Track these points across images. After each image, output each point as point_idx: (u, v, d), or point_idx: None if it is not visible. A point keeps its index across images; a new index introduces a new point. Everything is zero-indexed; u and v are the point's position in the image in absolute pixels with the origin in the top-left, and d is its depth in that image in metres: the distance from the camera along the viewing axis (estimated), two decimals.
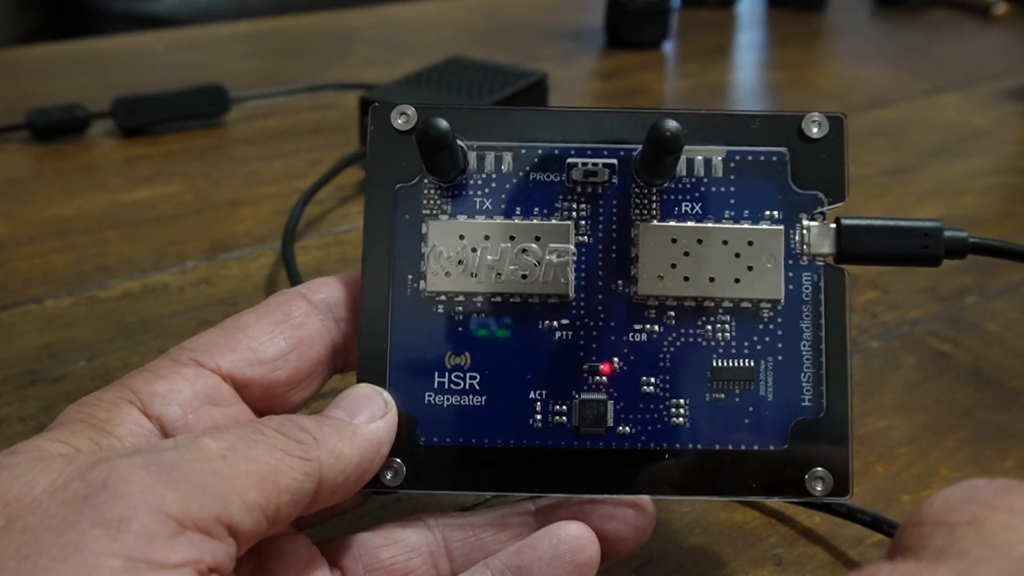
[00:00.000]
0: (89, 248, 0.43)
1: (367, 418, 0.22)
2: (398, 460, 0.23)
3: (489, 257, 0.24)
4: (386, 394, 0.23)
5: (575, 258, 0.24)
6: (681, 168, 0.24)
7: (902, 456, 0.32)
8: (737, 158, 0.24)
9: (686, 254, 0.24)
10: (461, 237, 0.24)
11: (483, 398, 0.24)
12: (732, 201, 0.24)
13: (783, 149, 0.24)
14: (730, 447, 0.23)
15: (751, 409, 0.24)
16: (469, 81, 0.53)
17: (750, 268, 0.24)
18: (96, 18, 1.29)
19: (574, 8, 0.89)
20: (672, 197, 0.24)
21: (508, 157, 0.25)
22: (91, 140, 0.55)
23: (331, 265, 0.42)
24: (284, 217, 0.44)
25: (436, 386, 0.24)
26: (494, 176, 0.25)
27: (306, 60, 0.74)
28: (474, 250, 0.24)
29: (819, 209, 0.24)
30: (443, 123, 0.23)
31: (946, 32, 0.87)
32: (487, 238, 0.24)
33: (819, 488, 0.23)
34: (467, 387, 0.24)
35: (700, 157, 0.24)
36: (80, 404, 0.21)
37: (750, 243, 0.24)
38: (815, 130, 0.24)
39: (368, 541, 0.23)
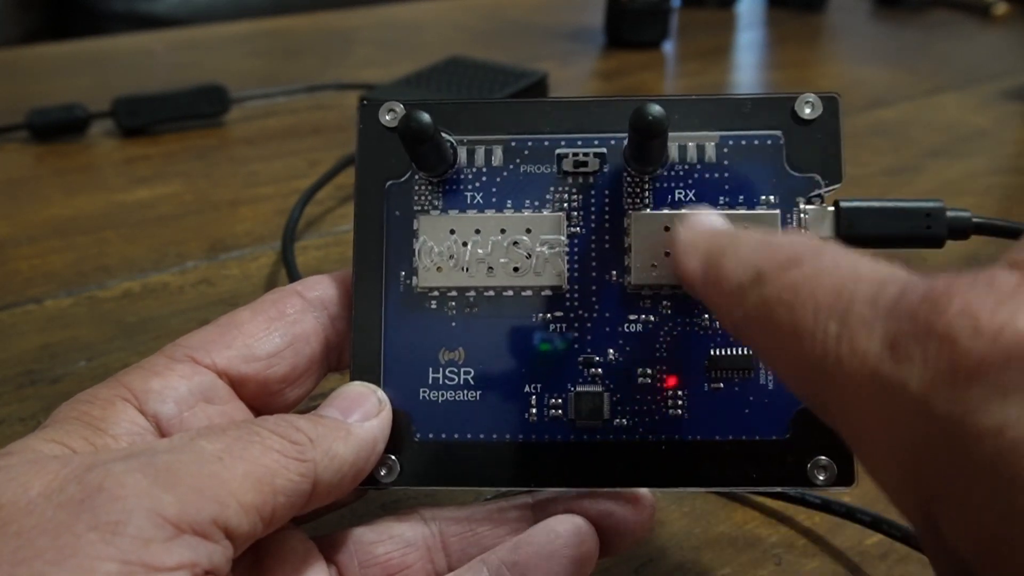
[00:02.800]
0: (89, 248, 0.43)
1: (361, 417, 0.22)
2: (393, 457, 0.23)
3: (480, 251, 0.24)
4: (380, 392, 0.23)
5: (567, 249, 0.24)
6: (673, 155, 0.24)
7: None
8: (730, 143, 0.24)
9: None
10: (452, 232, 0.24)
11: (478, 392, 0.24)
12: (727, 187, 0.24)
13: (777, 132, 0.24)
14: (730, 437, 0.23)
15: (751, 398, 0.23)
16: (469, 81, 0.53)
17: None
18: (96, 18, 1.29)
19: (574, 8, 0.89)
20: (665, 184, 0.24)
21: (498, 151, 0.24)
22: (91, 140, 0.56)
23: (331, 265, 0.42)
24: (284, 217, 0.44)
25: (431, 382, 0.24)
26: (484, 170, 0.24)
27: (306, 60, 0.74)
28: (465, 244, 0.24)
29: (816, 192, 0.24)
30: (424, 116, 0.22)
31: (946, 32, 0.87)
32: (478, 232, 0.24)
33: (822, 477, 0.23)
34: (462, 382, 0.24)
35: (692, 144, 0.24)
36: (75, 401, 0.21)
37: (745, 228, 0.24)
38: (808, 111, 0.24)
39: (363, 536, 0.23)
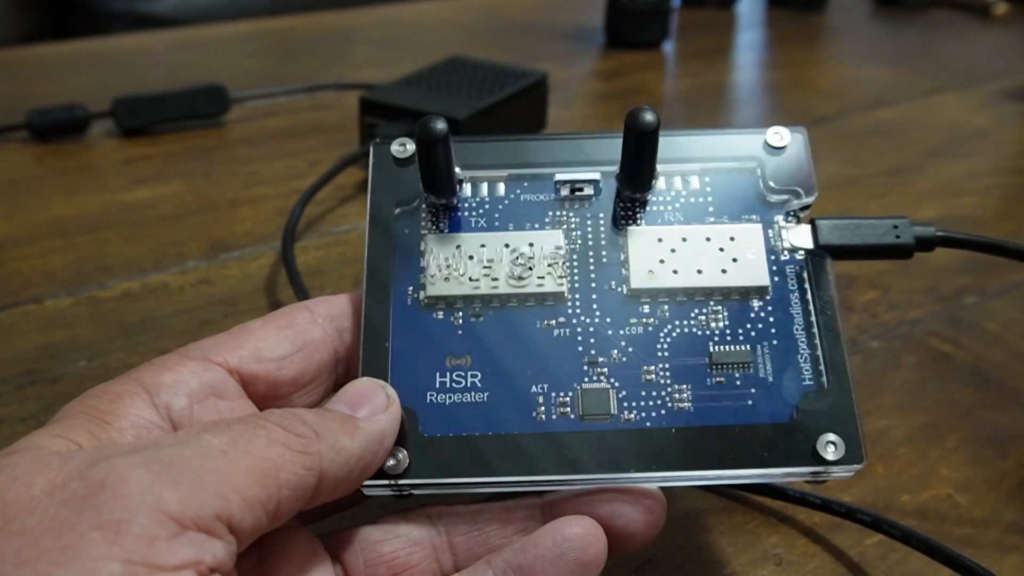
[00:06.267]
0: (89, 248, 0.43)
1: (370, 411, 0.22)
2: (402, 450, 0.23)
3: (485, 262, 0.25)
4: (389, 388, 0.23)
5: (567, 260, 0.25)
6: (661, 184, 0.27)
7: (902, 456, 0.32)
8: (712, 171, 0.27)
9: (672, 251, 0.25)
10: (458, 246, 0.25)
11: (485, 394, 0.24)
12: (711, 208, 0.26)
13: (752, 163, 0.27)
14: (738, 423, 0.23)
15: (753, 391, 0.24)
16: (469, 81, 0.53)
17: (735, 260, 0.25)
18: (96, 18, 1.29)
19: (574, 8, 0.89)
20: (655, 208, 0.26)
21: (500, 184, 0.27)
22: (91, 140, 0.56)
23: (331, 265, 0.43)
24: (284, 217, 0.44)
25: (438, 385, 0.24)
26: (487, 199, 0.27)
27: (306, 60, 0.74)
28: (471, 257, 0.25)
29: (792, 207, 0.26)
30: (441, 120, 0.24)
31: (946, 32, 0.87)
32: (483, 246, 0.25)
33: (832, 451, 0.23)
34: (469, 384, 0.24)
35: (678, 176, 0.27)
36: (84, 396, 0.21)
37: (732, 238, 0.25)
38: (778, 140, 0.27)
39: (369, 535, 0.23)
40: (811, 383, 0.24)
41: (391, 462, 0.23)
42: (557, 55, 0.75)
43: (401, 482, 0.23)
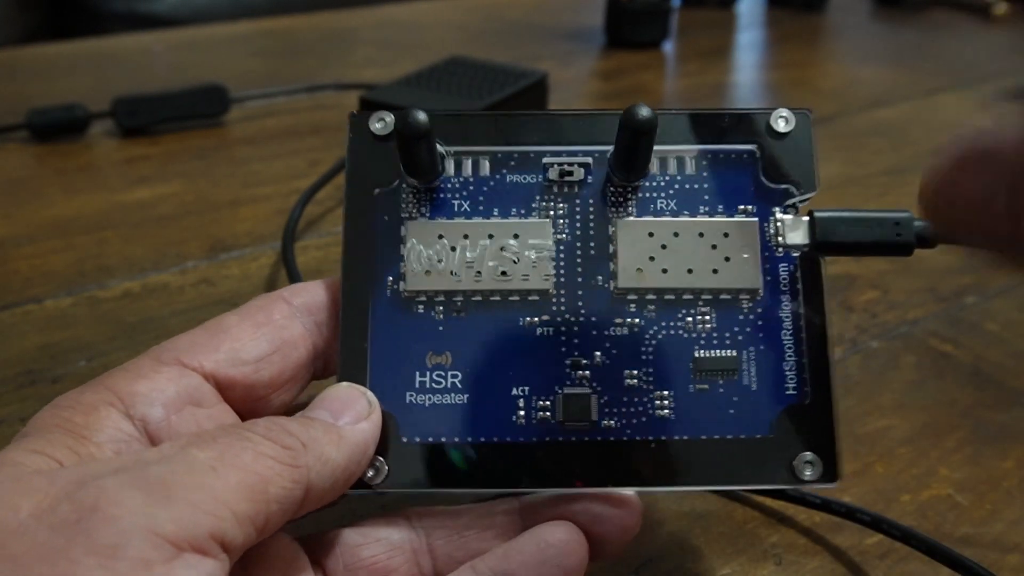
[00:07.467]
0: (89, 248, 0.43)
1: (352, 419, 0.22)
2: (380, 458, 0.23)
3: (468, 255, 0.24)
4: (370, 394, 0.23)
5: (554, 254, 0.24)
6: (655, 167, 0.25)
7: (902, 456, 0.32)
8: (709, 155, 0.25)
9: (663, 247, 0.24)
10: (440, 236, 0.24)
11: (465, 396, 0.23)
12: (706, 197, 0.25)
13: (752, 146, 0.25)
14: (716, 436, 0.23)
15: (736, 399, 0.23)
16: (469, 81, 0.53)
17: (727, 259, 0.24)
18: (96, 18, 1.29)
19: (574, 8, 0.89)
20: (647, 195, 0.25)
21: (485, 161, 0.25)
22: (91, 140, 0.56)
23: (331, 265, 0.42)
24: (284, 217, 0.44)
25: (417, 385, 0.24)
26: (471, 180, 0.25)
27: (306, 60, 0.74)
28: (453, 249, 0.24)
29: (791, 201, 0.25)
30: (422, 114, 0.23)
31: (946, 32, 0.87)
32: (466, 237, 0.24)
33: (808, 472, 0.23)
34: (448, 385, 0.24)
35: (673, 157, 0.25)
36: (55, 408, 0.20)
37: (726, 235, 0.24)
38: (782, 125, 0.25)
39: (349, 539, 0.23)
40: (794, 392, 0.23)
41: (370, 472, 0.23)
42: (557, 55, 0.75)
43: (380, 491, 0.23)
